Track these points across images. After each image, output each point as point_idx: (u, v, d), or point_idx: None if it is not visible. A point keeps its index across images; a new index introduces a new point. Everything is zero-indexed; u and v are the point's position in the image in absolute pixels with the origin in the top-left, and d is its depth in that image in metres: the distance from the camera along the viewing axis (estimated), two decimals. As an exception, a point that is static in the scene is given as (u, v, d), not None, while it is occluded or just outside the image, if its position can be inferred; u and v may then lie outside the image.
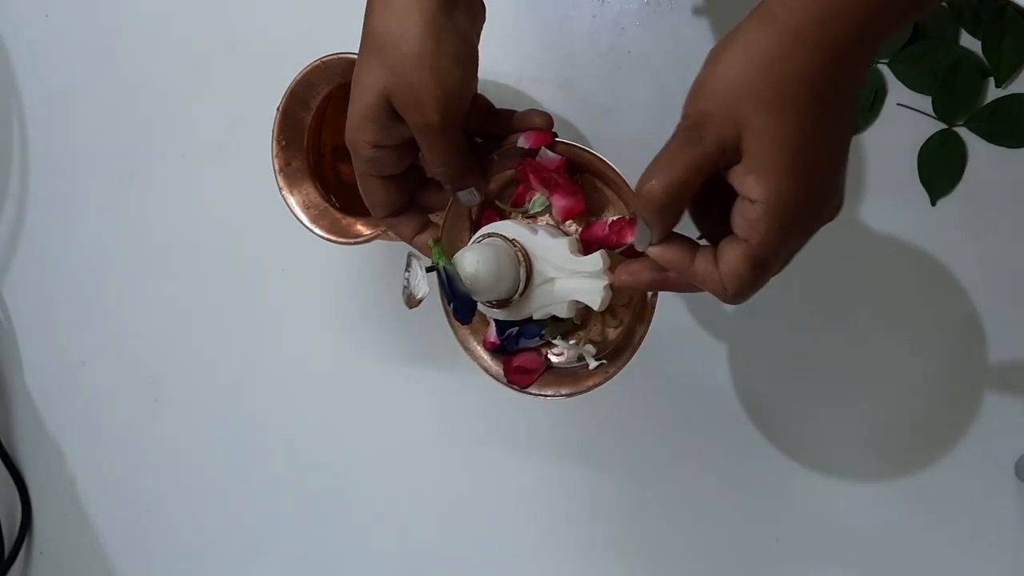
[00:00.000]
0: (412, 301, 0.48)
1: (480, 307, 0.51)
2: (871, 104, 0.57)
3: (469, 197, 0.50)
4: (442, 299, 0.50)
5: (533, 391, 0.53)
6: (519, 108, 0.50)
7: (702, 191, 0.39)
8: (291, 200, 0.61)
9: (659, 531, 0.66)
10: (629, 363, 0.50)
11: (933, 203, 0.57)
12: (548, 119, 0.50)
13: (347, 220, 0.61)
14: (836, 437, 0.61)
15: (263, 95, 0.65)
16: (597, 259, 0.48)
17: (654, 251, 0.42)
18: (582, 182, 0.51)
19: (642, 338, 0.50)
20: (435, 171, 0.48)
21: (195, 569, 0.83)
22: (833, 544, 0.61)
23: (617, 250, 0.49)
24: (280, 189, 0.61)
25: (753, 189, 0.37)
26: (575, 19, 0.65)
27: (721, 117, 0.37)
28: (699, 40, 0.62)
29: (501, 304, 0.50)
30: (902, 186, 0.57)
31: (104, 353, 0.85)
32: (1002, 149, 0.56)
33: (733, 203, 0.38)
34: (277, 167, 0.61)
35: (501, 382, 0.54)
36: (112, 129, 0.82)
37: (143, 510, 0.84)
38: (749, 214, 0.37)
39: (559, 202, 0.51)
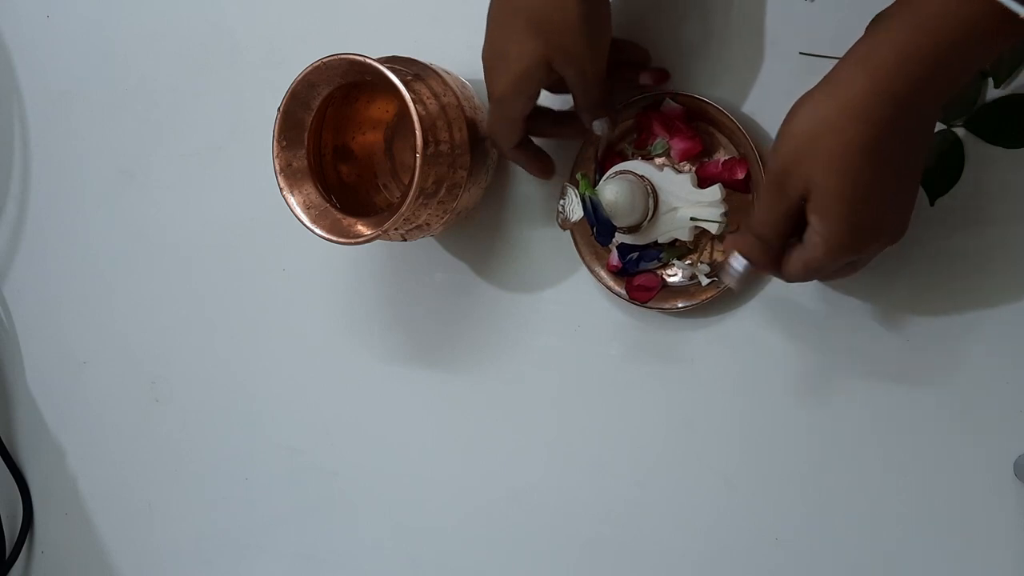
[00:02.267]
0: (567, 224, 0.59)
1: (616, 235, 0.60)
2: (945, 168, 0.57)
3: (603, 127, 0.59)
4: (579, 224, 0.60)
5: (653, 305, 0.62)
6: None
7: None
8: (292, 200, 0.61)
9: (658, 530, 0.66)
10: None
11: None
12: (644, 52, 0.61)
13: (347, 220, 0.61)
14: (835, 436, 0.61)
15: (264, 95, 0.65)
16: (716, 191, 0.57)
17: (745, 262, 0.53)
18: (697, 128, 0.61)
19: None
20: (582, 104, 0.59)
21: (195, 569, 0.83)
22: (832, 544, 0.61)
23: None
24: (281, 189, 0.61)
25: (816, 225, 0.48)
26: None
27: (796, 175, 0.48)
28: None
29: (632, 229, 0.60)
30: (901, 186, 0.58)
31: (105, 353, 0.85)
32: (1001, 149, 0.56)
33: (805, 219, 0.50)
34: (278, 167, 0.62)
35: (623, 299, 0.63)
36: (113, 129, 0.82)
37: (144, 510, 0.84)
38: (812, 238, 0.49)
39: (679, 144, 0.61)
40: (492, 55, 0.58)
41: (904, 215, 0.50)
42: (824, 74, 0.47)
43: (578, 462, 0.68)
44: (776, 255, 0.51)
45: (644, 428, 0.66)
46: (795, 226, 0.50)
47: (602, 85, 0.58)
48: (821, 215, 0.48)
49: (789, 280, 0.52)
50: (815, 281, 0.60)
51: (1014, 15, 0.40)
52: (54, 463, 0.87)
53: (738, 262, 0.52)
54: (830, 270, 0.51)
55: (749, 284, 0.57)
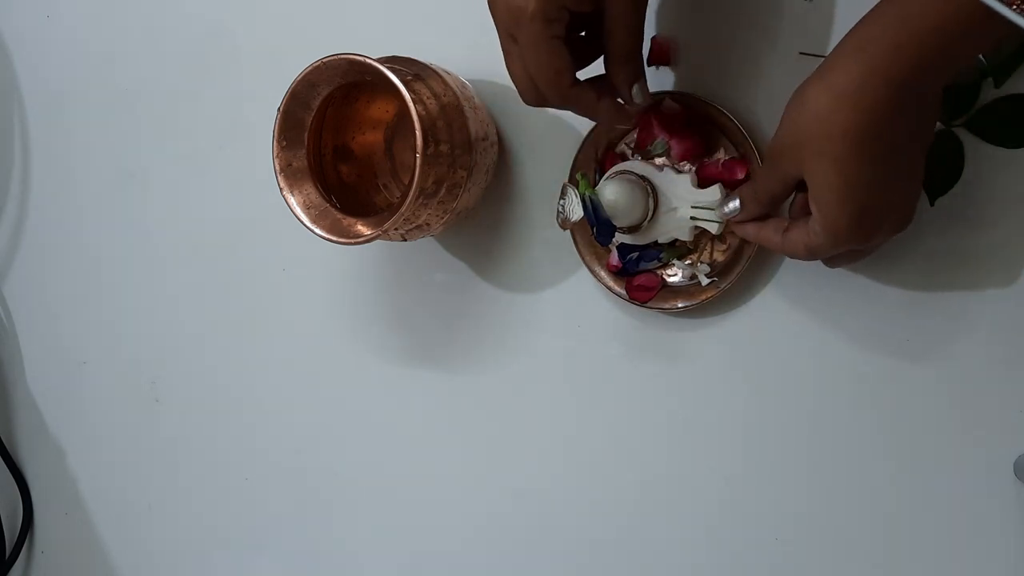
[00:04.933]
0: (567, 224, 0.59)
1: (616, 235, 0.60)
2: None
3: (641, 94, 0.54)
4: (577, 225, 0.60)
5: (653, 305, 0.62)
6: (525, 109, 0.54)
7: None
8: (292, 200, 0.61)
9: (658, 530, 0.66)
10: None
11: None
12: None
13: (347, 220, 0.61)
14: (835, 436, 0.61)
15: (264, 96, 0.65)
16: (716, 191, 0.57)
17: (736, 226, 0.55)
18: (697, 128, 0.60)
19: (751, 257, 0.59)
20: (625, 52, 0.52)
21: (195, 569, 0.83)
22: (832, 544, 0.61)
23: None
24: (281, 189, 0.61)
25: (814, 212, 0.48)
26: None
27: (791, 157, 0.48)
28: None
29: (632, 229, 0.60)
30: (901, 186, 0.58)
31: (105, 353, 0.85)
32: (1001, 149, 0.56)
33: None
34: (278, 167, 0.62)
35: (623, 299, 0.63)
36: (113, 129, 0.82)
37: (144, 510, 0.84)
38: (813, 225, 0.49)
39: (679, 144, 0.61)
40: None
41: (908, 203, 0.49)
42: (823, 73, 0.47)
43: (578, 462, 0.68)
44: (763, 217, 0.54)
45: (644, 428, 0.66)
46: (786, 201, 0.52)
47: (642, 34, 0.51)
48: (818, 204, 0.47)
49: (789, 256, 0.53)
50: (815, 280, 0.60)
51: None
52: (54, 463, 0.87)
53: (733, 203, 0.55)
54: (831, 255, 0.52)
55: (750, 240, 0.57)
